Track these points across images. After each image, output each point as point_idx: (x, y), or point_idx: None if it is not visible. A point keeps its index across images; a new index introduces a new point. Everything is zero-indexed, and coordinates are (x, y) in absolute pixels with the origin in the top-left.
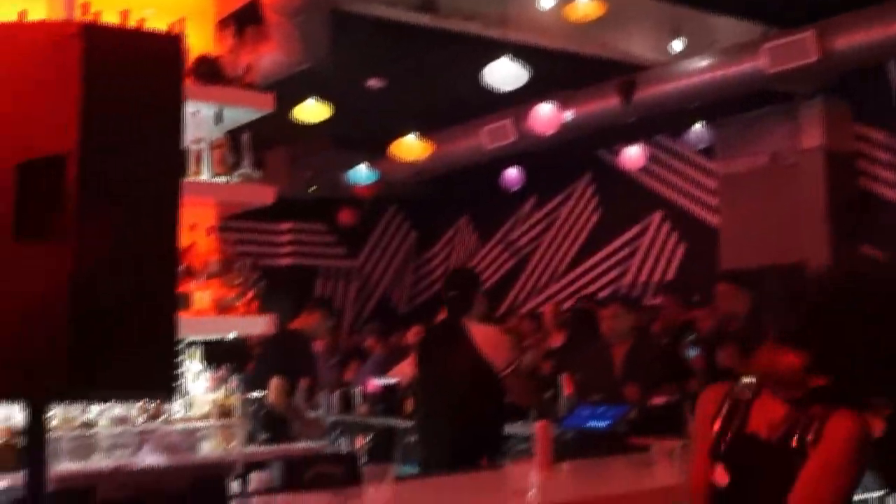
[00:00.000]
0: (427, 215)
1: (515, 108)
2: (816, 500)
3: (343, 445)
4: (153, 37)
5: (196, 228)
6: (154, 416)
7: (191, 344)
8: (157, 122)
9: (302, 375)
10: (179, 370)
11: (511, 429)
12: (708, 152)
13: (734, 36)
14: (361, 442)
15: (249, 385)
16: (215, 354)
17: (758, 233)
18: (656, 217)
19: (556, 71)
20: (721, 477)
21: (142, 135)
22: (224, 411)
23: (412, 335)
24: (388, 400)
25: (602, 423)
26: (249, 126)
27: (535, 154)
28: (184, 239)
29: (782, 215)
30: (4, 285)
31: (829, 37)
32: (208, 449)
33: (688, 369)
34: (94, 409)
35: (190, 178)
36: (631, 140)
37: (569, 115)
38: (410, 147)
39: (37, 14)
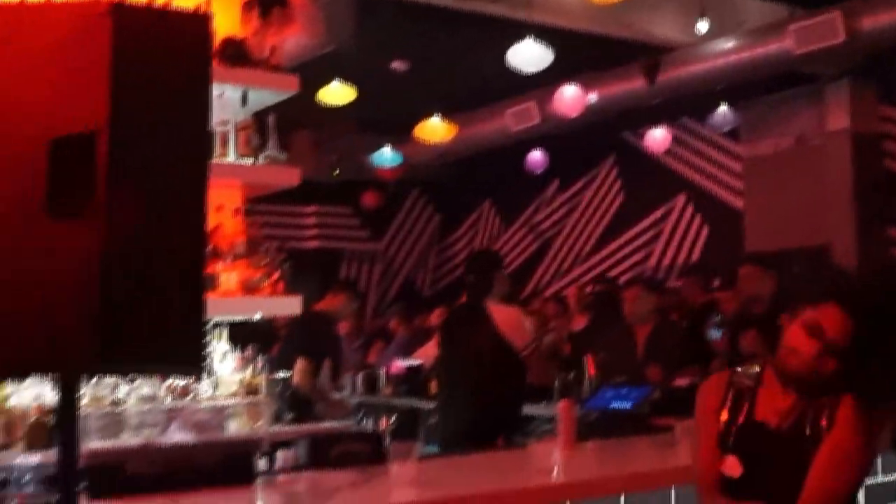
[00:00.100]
0: (451, 198)
1: (540, 90)
2: (834, 483)
3: (367, 426)
4: (181, 16)
5: (222, 210)
6: (182, 395)
7: (217, 324)
8: (186, 101)
9: (327, 357)
10: (207, 348)
11: (534, 410)
12: (733, 134)
13: (760, 17)
14: (386, 423)
15: (275, 366)
16: (241, 335)
17: (783, 215)
18: (680, 200)
19: (580, 53)
20: (733, 468)
21: (171, 113)
22: (251, 391)
23: (436, 317)
24: (412, 381)
25: (625, 405)
26: (274, 108)
27: (558, 137)
28: (210, 220)
29: (807, 197)
30: (36, 261)
31: (855, 17)
32: (235, 428)
33: (710, 351)
34: (123, 389)
35: (216, 160)
36: (655, 122)
37: (593, 97)
38: (434, 129)
39: None
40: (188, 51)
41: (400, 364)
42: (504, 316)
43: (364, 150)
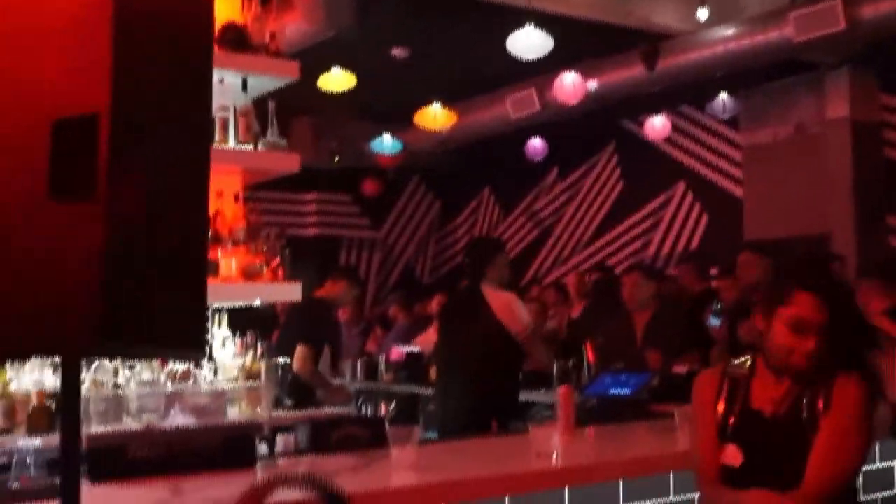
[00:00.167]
0: (451, 186)
1: (540, 77)
2: (835, 466)
3: (367, 412)
4: None
5: (222, 196)
6: (182, 380)
7: (217, 310)
8: (188, 84)
9: (327, 343)
10: (207, 333)
11: (534, 396)
12: (733, 122)
13: (760, 4)
14: (385, 409)
15: (275, 352)
16: (241, 321)
17: (782, 204)
18: (680, 188)
19: (580, 40)
20: (734, 457)
21: (173, 96)
22: (251, 376)
23: (435, 304)
24: (412, 368)
25: (624, 391)
26: (275, 94)
27: (558, 124)
28: (210, 206)
29: (807, 186)
30: (39, 242)
31: (856, 5)
32: (235, 412)
33: (709, 338)
34: (124, 374)
35: (216, 146)
36: (655, 110)
37: (593, 84)
38: (434, 117)
39: None
40: (190, 34)
41: (400, 351)
42: (500, 302)
43: (364, 137)
